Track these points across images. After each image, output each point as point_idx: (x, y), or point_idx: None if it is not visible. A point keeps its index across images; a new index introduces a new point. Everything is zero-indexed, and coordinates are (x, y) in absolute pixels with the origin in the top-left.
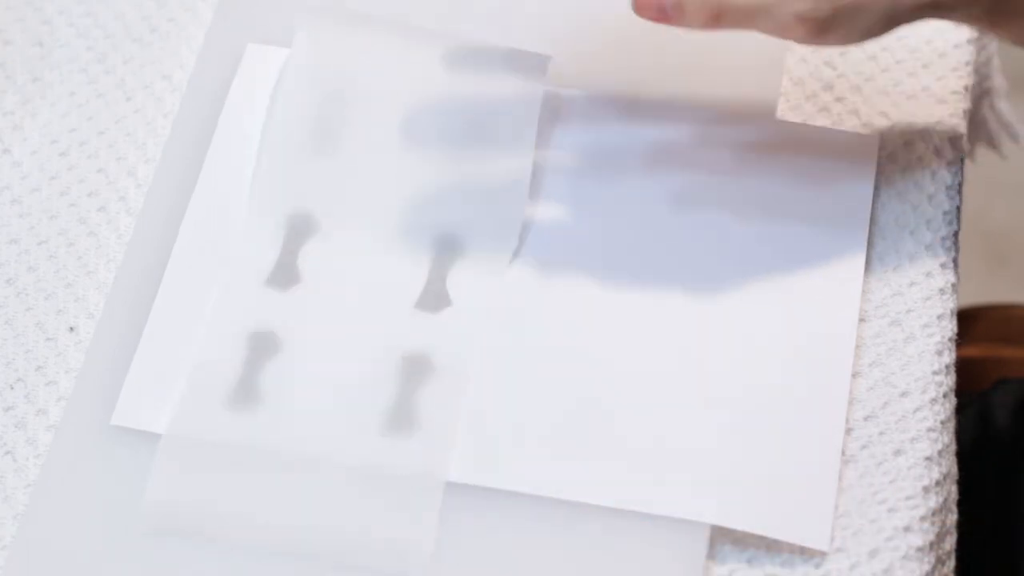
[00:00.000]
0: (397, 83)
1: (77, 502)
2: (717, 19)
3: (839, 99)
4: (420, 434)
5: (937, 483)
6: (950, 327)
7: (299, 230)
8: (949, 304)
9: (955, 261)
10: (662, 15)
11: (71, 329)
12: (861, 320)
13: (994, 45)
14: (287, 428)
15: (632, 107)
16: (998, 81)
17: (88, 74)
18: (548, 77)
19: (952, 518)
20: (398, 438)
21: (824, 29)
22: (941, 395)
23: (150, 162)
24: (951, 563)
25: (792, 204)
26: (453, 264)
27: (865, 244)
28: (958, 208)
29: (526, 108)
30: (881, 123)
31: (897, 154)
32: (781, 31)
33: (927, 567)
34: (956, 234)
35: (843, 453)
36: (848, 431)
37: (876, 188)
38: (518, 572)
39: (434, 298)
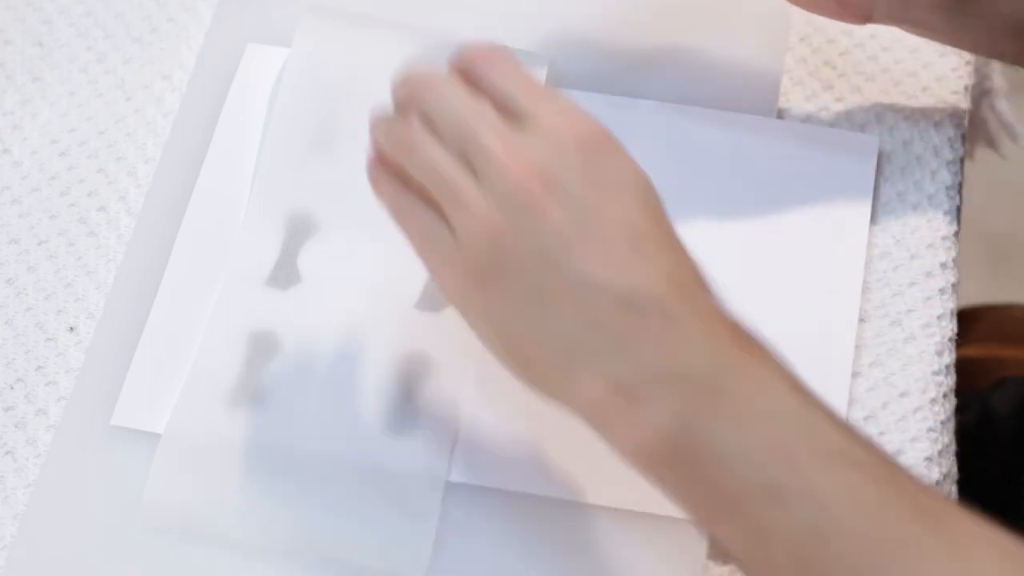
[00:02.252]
0: None
1: (77, 502)
2: None
3: (839, 99)
4: (420, 434)
5: (937, 483)
6: (950, 327)
7: (299, 230)
8: (949, 304)
9: (955, 261)
10: None
11: (71, 329)
12: (861, 320)
13: None
14: (287, 428)
15: (631, 107)
16: (998, 81)
17: (88, 74)
18: (548, 77)
19: None
20: (398, 438)
21: None
22: (941, 395)
23: (150, 162)
24: None
25: (792, 205)
26: None
27: (865, 244)
28: (958, 208)
29: None
30: (881, 123)
31: (897, 154)
32: None
33: None
34: (956, 234)
35: None
36: None
37: (875, 188)
38: (517, 572)
39: (434, 298)
